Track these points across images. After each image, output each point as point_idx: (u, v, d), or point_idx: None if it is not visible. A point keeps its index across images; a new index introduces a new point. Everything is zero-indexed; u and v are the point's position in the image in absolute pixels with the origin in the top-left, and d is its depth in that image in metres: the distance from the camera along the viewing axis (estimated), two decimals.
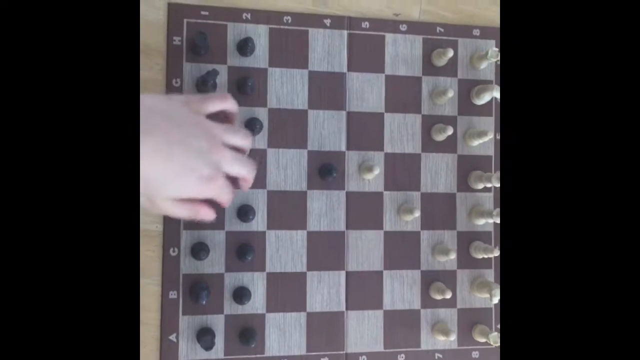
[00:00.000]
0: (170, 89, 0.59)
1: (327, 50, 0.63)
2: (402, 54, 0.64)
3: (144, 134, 0.44)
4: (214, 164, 0.49)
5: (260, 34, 0.61)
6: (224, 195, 0.51)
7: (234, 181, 0.52)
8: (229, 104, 0.53)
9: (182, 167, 0.47)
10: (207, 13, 0.60)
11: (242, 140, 0.53)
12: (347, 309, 0.62)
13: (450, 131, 0.62)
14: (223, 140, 0.51)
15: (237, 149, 0.52)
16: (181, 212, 0.50)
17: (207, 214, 0.51)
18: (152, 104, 0.47)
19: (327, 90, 0.62)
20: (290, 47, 0.62)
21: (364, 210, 0.63)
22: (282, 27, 0.62)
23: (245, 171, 0.52)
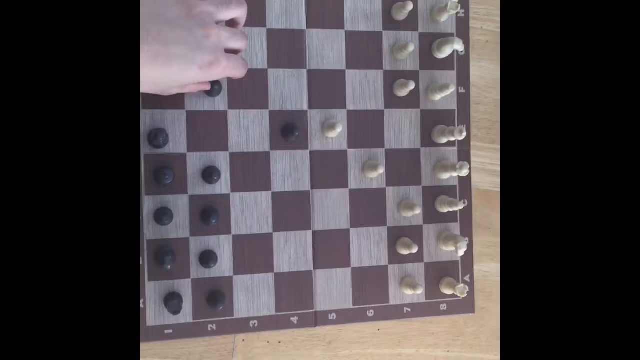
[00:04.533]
0: None
1: (284, 7, 0.61)
2: (361, 8, 0.63)
3: (141, 43, 0.46)
4: (213, 47, 0.51)
5: None
6: (235, 70, 0.54)
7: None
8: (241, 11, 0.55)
9: (184, 62, 0.49)
10: None
11: (237, 10, 0.54)
12: (315, 268, 0.62)
13: (412, 86, 0.61)
14: (216, 18, 0.52)
15: (231, 24, 0.55)
16: (194, 89, 0.56)
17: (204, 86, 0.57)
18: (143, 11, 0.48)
19: (286, 49, 0.61)
20: (247, 5, 0.60)
21: (328, 169, 0.63)
22: None
23: (242, 44, 0.54)
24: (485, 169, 0.67)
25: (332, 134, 0.62)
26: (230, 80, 0.60)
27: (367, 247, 0.64)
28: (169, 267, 0.57)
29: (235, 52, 0.54)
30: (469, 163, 0.65)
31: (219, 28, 0.51)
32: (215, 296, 0.59)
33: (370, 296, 0.64)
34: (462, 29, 0.66)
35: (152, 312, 0.58)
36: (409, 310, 0.65)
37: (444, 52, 0.64)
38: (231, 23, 0.55)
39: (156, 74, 0.49)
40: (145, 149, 0.58)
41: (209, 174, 0.58)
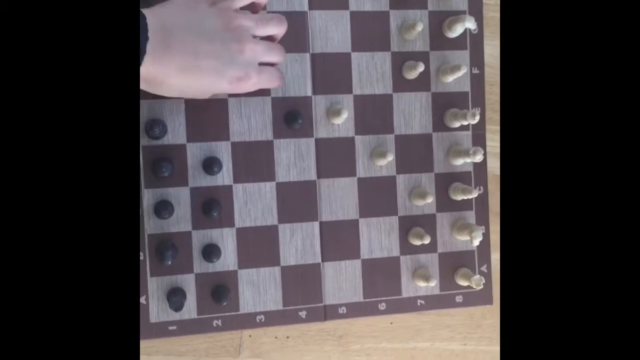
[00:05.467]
0: None
1: None
2: None
3: (170, 52, 0.46)
4: (245, 63, 0.50)
5: None
6: (268, 83, 0.53)
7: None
8: None
9: (213, 76, 0.49)
10: None
11: (276, 27, 0.53)
12: (323, 260, 0.60)
13: (421, 67, 0.58)
14: (253, 33, 0.51)
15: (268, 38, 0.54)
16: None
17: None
18: (172, 21, 0.47)
19: (288, 31, 0.58)
20: None
21: (335, 157, 0.60)
22: None
23: (278, 58, 0.54)
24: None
25: (337, 120, 0.59)
26: None
27: (378, 237, 0.61)
28: (170, 262, 0.55)
29: (271, 64, 0.54)
30: (484, 148, 0.62)
31: (254, 42, 0.51)
32: (219, 291, 0.57)
33: (382, 289, 0.61)
34: (475, 5, 0.62)
35: (155, 309, 0.57)
36: (423, 302, 0.62)
37: (456, 31, 0.60)
38: (268, 37, 0.54)
39: (184, 84, 0.49)
40: (143, 140, 0.56)
41: (210, 164, 0.56)
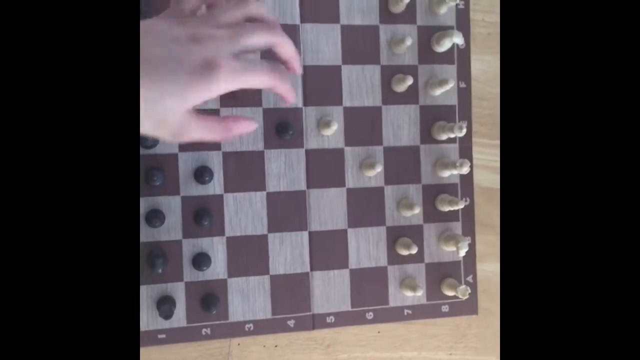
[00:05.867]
0: None
1: (277, 0, 0.59)
2: (357, 1, 0.61)
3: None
4: (207, 51, 0.40)
5: None
6: (255, 76, 0.42)
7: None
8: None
9: (170, 69, 0.39)
10: None
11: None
12: (311, 269, 0.61)
13: (410, 81, 0.59)
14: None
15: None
16: (212, 129, 0.42)
17: (243, 125, 0.44)
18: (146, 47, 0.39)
19: None
20: None
21: (324, 168, 0.61)
22: None
23: (267, 38, 0.43)
24: (488, 166, 0.65)
25: (328, 132, 0.60)
26: None
27: (366, 247, 0.62)
28: (160, 270, 0.55)
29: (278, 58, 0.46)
30: (471, 160, 0.64)
31: (216, 29, 0.42)
32: (209, 299, 0.57)
33: (370, 298, 0.62)
34: (463, 21, 0.64)
35: (145, 317, 0.57)
36: (410, 312, 0.63)
37: (444, 46, 0.62)
38: (251, 19, 0.46)
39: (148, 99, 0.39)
40: None
41: (201, 174, 0.57)
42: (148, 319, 0.57)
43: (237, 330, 0.59)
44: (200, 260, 0.57)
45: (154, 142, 0.56)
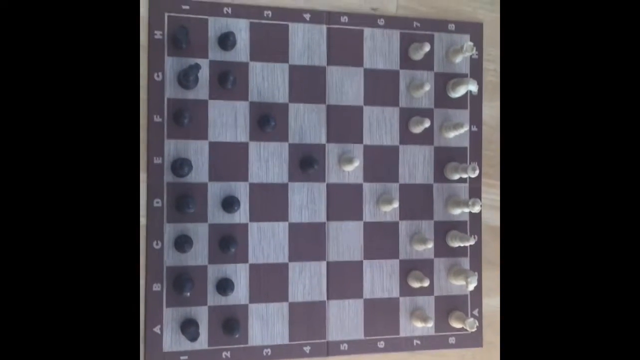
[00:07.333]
0: (152, 83, 0.59)
1: (307, 44, 0.63)
2: (380, 48, 0.65)
3: None
4: None
5: (241, 28, 0.61)
6: None
7: None
8: None
9: None
10: (188, 7, 0.60)
11: None
12: (328, 298, 0.64)
13: (427, 123, 0.63)
14: None
15: None
16: None
17: None
18: None
19: (307, 84, 0.63)
20: (271, 41, 0.62)
21: (344, 202, 0.64)
22: (262, 21, 0.62)
23: None
24: (494, 206, 0.69)
25: (349, 168, 0.63)
26: (252, 113, 0.61)
27: (380, 279, 0.65)
28: (188, 294, 0.58)
29: None
30: (480, 199, 0.67)
31: None
32: (231, 324, 0.60)
33: (381, 327, 0.65)
34: (475, 69, 0.68)
35: (169, 338, 0.59)
36: (419, 342, 0.66)
37: (458, 92, 0.66)
38: None
39: None
40: (167, 177, 0.59)
41: (230, 203, 0.60)
42: (172, 341, 0.59)
43: (256, 355, 0.61)
44: (225, 285, 0.60)
45: (189, 171, 0.59)
